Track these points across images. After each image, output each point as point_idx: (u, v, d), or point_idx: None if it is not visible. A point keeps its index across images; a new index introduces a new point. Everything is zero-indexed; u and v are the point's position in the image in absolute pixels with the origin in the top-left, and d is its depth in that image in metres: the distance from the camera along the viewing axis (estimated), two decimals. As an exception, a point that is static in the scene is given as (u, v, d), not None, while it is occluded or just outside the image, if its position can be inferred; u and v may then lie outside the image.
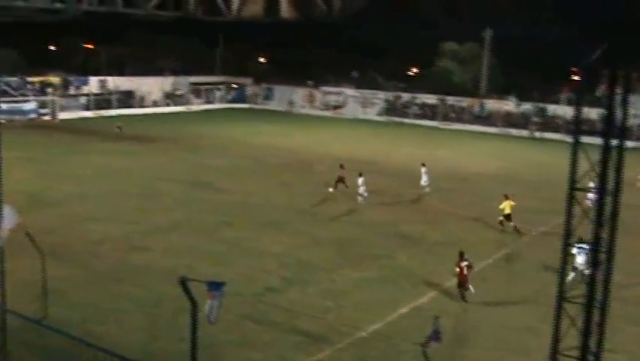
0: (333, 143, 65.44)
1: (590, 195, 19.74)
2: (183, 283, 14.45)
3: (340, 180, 42.40)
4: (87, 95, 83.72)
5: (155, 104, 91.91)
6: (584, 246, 24.36)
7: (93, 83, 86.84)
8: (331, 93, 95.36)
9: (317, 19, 18.41)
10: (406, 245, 32.13)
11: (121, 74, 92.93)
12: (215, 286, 14.93)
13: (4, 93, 71.91)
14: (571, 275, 24.44)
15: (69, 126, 70.56)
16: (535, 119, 79.16)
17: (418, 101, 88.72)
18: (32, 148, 54.42)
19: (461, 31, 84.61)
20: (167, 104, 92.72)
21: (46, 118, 75.37)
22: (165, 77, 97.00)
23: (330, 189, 42.25)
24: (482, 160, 58.18)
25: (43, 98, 77.55)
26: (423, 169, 43.50)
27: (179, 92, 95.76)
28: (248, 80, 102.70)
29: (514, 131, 78.18)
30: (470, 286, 25.30)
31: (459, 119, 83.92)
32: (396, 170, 51.38)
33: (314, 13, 17.81)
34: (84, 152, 54.45)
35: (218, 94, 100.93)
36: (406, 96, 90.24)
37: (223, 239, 31.99)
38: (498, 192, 37.40)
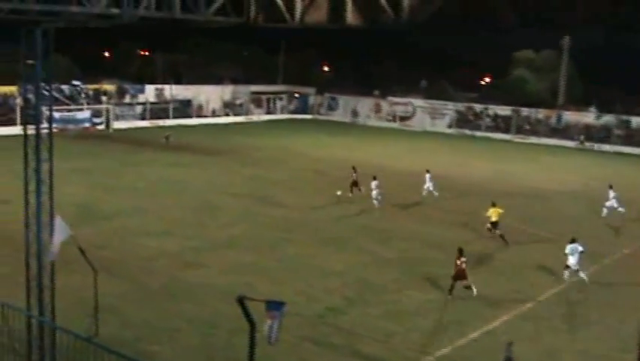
0: (400, 156, 65.21)
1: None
2: (241, 302, 14.46)
3: (354, 183, 44.61)
4: (143, 103, 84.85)
5: (214, 113, 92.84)
6: (577, 246, 29.55)
7: (149, 92, 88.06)
8: (398, 104, 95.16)
9: (384, 26, 18.34)
10: (476, 265, 31.71)
11: (178, 82, 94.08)
12: (274, 305, 14.89)
13: (57, 101, 73.25)
14: (565, 275, 29.67)
15: (124, 136, 71.65)
16: (618, 131, 77.73)
17: (490, 112, 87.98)
18: (85, 159, 55.40)
19: (538, 38, 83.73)
20: (227, 114, 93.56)
21: (100, 127, 76.62)
22: (224, 85, 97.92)
23: (339, 193, 44.86)
24: (560, 176, 57.34)
25: (97, 106, 78.85)
26: (427, 175, 46.05)
27: (238, 102, 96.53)
28: (311, 90, 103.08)
29: (594, 145, 76.95)
30: (473, 287, 27.55)
31: (534, 132, 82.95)
32: (468, 186, 50.94)
33: (381, 19, 17.76)
34: (139, 163, 55.23)
35: (279, 104, 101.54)
36: (477, 107, 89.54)
37: (283, 256, 32.04)
38: (577, 211, 36.84)
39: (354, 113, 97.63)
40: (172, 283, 27.94)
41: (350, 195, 44.04)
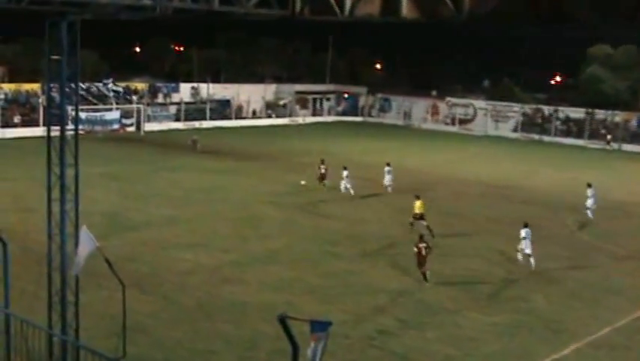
0: (459, 163, 64.85)
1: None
2: (283, 321, 14.40)
3: (322, 176, 49.69)
4: (177, 103, 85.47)
5: (255, 115, 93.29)
6: (530, 231, 34.07)
7: (184, 91, 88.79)
8: (458, 105, 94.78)
9: (443, 20, 18.17)
10: (544, 285, 31.35)
11: (216, 80, 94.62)
12: (319, 326, 14.82)
13: (84, 100, 74.07)
14: (519, 257, 33.74)
15: (156, 139, 72.23)
16: None
17: (560, 114, 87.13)
18: (114, 163, 55.93)
19: (616, 31, 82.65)
20: (269, 116, 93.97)
21: (131, 129, 77.32)
22: (267, 84, 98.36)
23: (303, 182, 50.08)
24: (640, 187, 56.57)
25: (127, 106, 79.61)
26: (386, 168, 49.57)
27: (282, 102, 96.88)
28: (361, 90, 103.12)
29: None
30: (428, 273, 30.72)
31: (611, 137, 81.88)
32: (536, 197, 50.47)
33: (439, 12, 17.57)
34: (173, 169, 55.59)
35: (327, 105, 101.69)
36: (546, 109, 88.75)
37: (329, 272, 31.95)
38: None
39: (409, 116, 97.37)
40: (207, 300, 27.98)
41: (323, 185, 49.11)
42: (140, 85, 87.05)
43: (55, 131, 19.48)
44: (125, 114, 78.07)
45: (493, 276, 32.37)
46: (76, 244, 19.31)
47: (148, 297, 27.42)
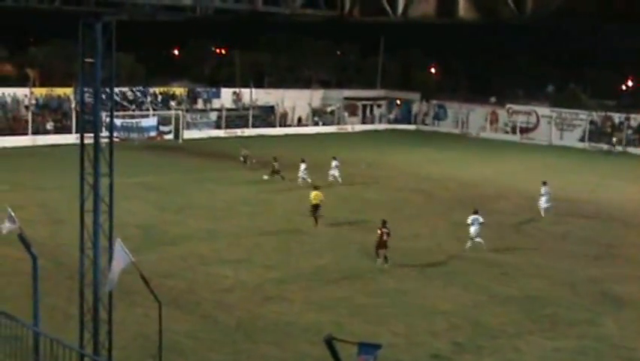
0: (521, 175, 64.40)
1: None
2: (329, 343, 14.38)
3: (275, 171, 54.88)
4: (218, 110, 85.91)
5: (301, 122, 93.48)
6: (478, 217, 38.80)
7: (225, 96, 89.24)
8: (519, 112, 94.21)
9: (504, 21, 18.03)
10: (614, 309, 30.98)
11: (259, 85, 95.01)
12: (368, 349, 14.78)
13: (119, 106, 74.72)
14: (467, 244, 38.33)
15: (196, 148, 72.63)
16: None
17: (633, 122, 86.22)
18: (151, 173, 56.32)
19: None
20: (316, 123, 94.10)
21: (169, 137, 77.84)
22: (313, 90, 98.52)
23: (265, 177, 55.41)
24: None
25: (165, 112, 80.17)
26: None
27: (330, 109, 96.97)
28: (415, 96, 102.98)
29: None
30: (386, 255, 35.15)
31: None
32: (606, 211, 50.00)
33: (500, 13, 17.43)
34: (213, 180, 55.81)
35: (377, 112, 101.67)
36: (617, 117, 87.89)
37: (379, 291, 31.87)
38: None
39: (467, 124, 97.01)
40: (248, 319, 28.03)
41: (266, 177, 54.03)
42: (179, 90, 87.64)
43: (89, 139, 19.66)
44: (163, 121, 78.56)
45: (558, 297, 32.05)
46: (110, 259, 19.45)
47: (185, 316, 27.53)
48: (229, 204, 47.58)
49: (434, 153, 75.95)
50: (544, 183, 48.73)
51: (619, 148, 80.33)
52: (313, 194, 43.22)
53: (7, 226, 18.70)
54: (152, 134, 76.18)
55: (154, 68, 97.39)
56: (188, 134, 79.38)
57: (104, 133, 20.18)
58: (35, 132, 71.40)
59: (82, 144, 19.73)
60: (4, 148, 66.53)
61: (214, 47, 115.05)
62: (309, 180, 51.99)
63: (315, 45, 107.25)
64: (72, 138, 63.91)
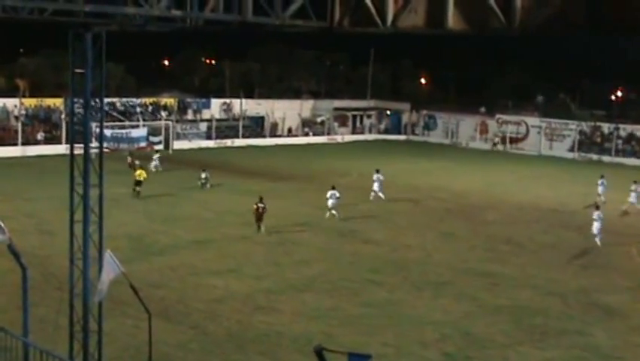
0: (511, 185, 64.57)
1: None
2: (319, 353, 14.41)
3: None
4: (208, 120, 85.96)
5: (291, 132, 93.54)
6: (335, 193, 46.93)
7: (215, 107, 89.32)
8: (509, 122, 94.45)
9: (492, 32, 18.12)
10: (603, 319, 31.04)
11: (249, 96, 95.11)
12: (358, 359, 14.82)
13: (109, 117, 74.69)
14: (326, 215, 46.33)
15: (185, 158, 72.62)
16: None
17: (622, 132, 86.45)
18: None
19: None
20: (305, 134, 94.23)
21: (159, 147, 77.77)
22: (303, 100, 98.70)
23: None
24: None
25: (155, 123, 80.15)
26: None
27: (320, 119, 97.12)
28: (405, 106, 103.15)
29: None
30: (262, 227, 42.37)
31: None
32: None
33: (489, 24, 17.51)
34: (203, 190, 55.80)
35: (367, 122, 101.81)
36: (606, 127, 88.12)
37: (369, 301, 31.89)
38: None
39: (456, 134, 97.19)
40: (239, 330, 28.03)
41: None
42: (169, 100, 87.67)
43: (79, 149, 19.68)
44: (153, 131, 78.56)
45: (548, 308, 32.10)
46: (100, 269, 19.46)
47: (175, 326, 27.52)
48: (219, 215, 47.61)
49: (424, 163, 76.08)
50: (377, 171, 54.55)
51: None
52: (139, 172, 52.90)
53: (-4, 236, 18.67)
54: (142, 144, 76.20)
55: (144, 78, 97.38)
56: (178, 144, 79.43)
57: (94, 144, 20.21)
58: (25, 143, 71.34)
59: (72, 155, 19.75)
60: (-7, 158, 66.49)
61: (204, 57, 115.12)
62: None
63: (304, 56, 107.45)
64: (62, 149, 63.85)
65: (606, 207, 49.13)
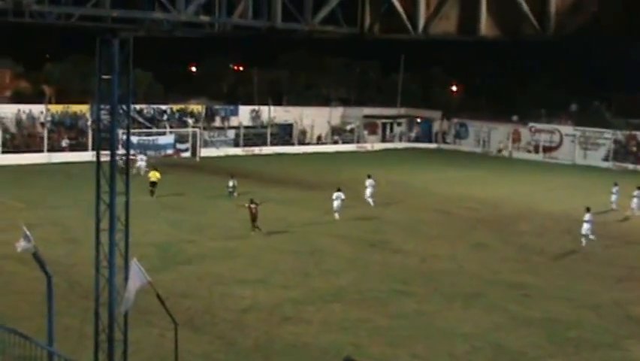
0: (543, 195, 64.19)
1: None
2: (347, 365, 14.40)
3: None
4: (236, 127, 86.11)
5: (320, 140, 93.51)
6: (341, 194, 49.57)
7: (243, 114, 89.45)
8: (542, 131, 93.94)
9: (526, 38, 18.03)
10: (638, 332, 30.81)
11: (278, 103, 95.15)
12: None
13: (136, 123, 74.93)
14: (335, 216, 49.09)
15: (213, 166, 72.71)
16: None
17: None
18: (167, 191, 56.34)
19: None
20: (335, 142, 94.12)
21: (185, 155, 78.06)
22: (332, 107, 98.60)
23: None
24: None
25: (182, 130, 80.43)
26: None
27: (349, 127, 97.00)
28: (436, 114, 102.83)
29: None
30: (258, 226, 43.67)
31: None
32: (630, 233, 49.72)
33: (523, 30, 17.40)
34: (230, 198, 55.75)
35: (397, 130, 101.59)
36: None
37: (398, 312, 31.81)
38: None
39: (488, 143, 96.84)
40: (266, 340, 28.02)
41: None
42: (197, 107, 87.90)
43: (105, 157, 19.75)
44: (180, 139, 78.82)
45: (582, 320, 31.87)
46: (126, 278, 19.51)
47: (202, 337, 27.54)
48: (246, 224, 47.41)
49: (455, 173, 75.78)
50: (369, 176, 55.65)
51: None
52: (151, 173, 55.12)
53: (22, 244, 18.76)
54: (169, 152, 76.48)
55: (171, 84, 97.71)
56: (205, 152, 79.59)
57: (121, 151, 20.28)
58: (51, 149, 71.75)
59: (98, 162, 19.83)
60: (20, 165, 66.93)
61: (232, 64, 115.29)
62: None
63: (334, 63, 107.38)
64: (88, 156, 64.18)
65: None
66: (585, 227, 45.09)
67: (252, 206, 44.08)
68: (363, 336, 28.52)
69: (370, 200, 54.71)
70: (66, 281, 30.22)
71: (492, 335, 29.63)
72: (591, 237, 45.01)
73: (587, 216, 45.27)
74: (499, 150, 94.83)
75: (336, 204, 49.61)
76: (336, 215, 49.41)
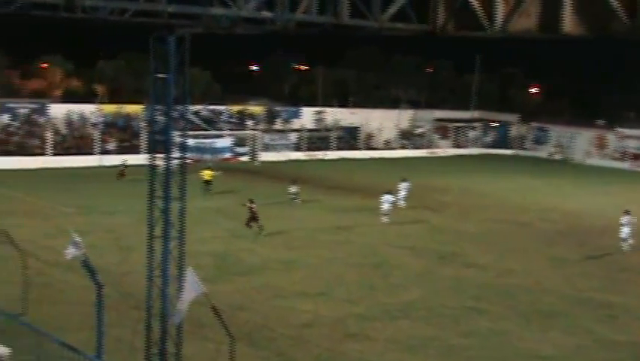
0: (629, 207, 63.32)
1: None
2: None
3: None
4: (298, 130, 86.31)
5: (387, 145, 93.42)
6: (389, 197, 50.96)
7: (306, 116, 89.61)
8: (631, 137, 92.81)
9: (614, 36, 17.79)
10: None
11: (343, 104, 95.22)
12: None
13: (192, 125, 75.40)
14: (383, 219, 50.20)
15: (273, 170, 72.98)
16: None
17: None
18: (224, 197, 56.69)
19: None
20: (403, 146, 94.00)
21: (244, 159, 78.38)
22: (402, 110, 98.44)
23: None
24: None
25: (241, 132, 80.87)
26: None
27: (419, 131, 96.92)
28: (513, 117, 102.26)
29: None
30: (261, 226, 45.18)
31: None
32: None
33: (610, 27, 17.15)
34: (292, 206, 55.95)
35: (471, 135, 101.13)
36: None
37: (471, 331, 31.62)
38: None
39: (569, 149, 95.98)
40: (328, 358, 28.02)
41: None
42: (257, 109, 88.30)
43: (160, 160, 19.93)
44: (239, 142, 79.17)
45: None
46: (180, 288, 19.65)
47: (259, 352, 27.63)
48: (309, 233, 47.70)
49: (533, 181, 75.21)
50: (404, 180, 57.44)
51: None
52: (205, 172, 58.48)
53: (71, 251, 19.04)
54: (227, 155, 76.86)
55: (230, 84, 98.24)
56: (265, 156, 79.90)
57: (176, 154, 20.45)
58: (103, 152, 72.51)
59: (152, 166, 20.02)
60: (70, 168, 67.89)
61: (295, 62, 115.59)
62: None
63: (404, 62, 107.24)
64: (141, 159, 64.78)
65: None
66: (625, 231, 46.35)
67: (253, 206, 45.66)
68: (432, 356, 28.42)
69: (402, 202, 56.19)
70: (117, 291, 30.50)
71: (574, 358, 29.36)
72: (630, 241, 45.98)
73: (625, 220, 46.56)
74: (551, 154, 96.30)
75: (385, 207, 50.66)
76: (385, 219, 50.48)
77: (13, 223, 35.44)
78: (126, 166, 64.43)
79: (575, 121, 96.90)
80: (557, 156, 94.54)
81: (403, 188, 56.96)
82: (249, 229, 45.49)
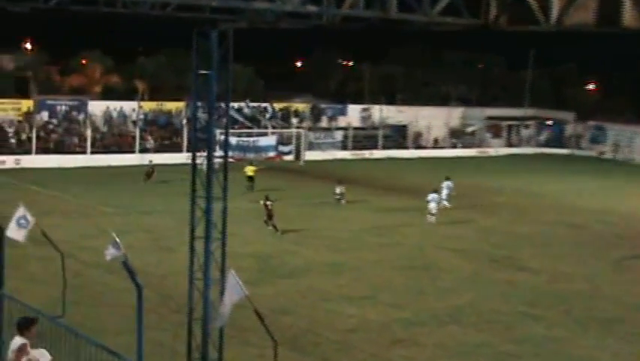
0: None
1: None
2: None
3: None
4: (344, 128, 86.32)
5: (437, 144, 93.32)
6: (435, 196, 51.68)
7: (352, 113, 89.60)
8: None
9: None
10: None
11: (391, 102, 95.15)
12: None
13: (235, 123, 75.63)
14: (427, 219, 50.65)
15: (318, 170, 73.01)
16: None
17: None
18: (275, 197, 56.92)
19: None
20: (454, 145, 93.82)
21: (288, 158, 78.47)
22: (452, 107, 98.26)
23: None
24: None
25: (285, 130, 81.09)
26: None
27: (470, 129, 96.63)
28: (568, 115, 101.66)
29: None
30: (275, 225, 45.80)
31: None
32: None
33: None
34: (338, 206, 56.02)
35: (525, 133, 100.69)
36: None
37: (524, 337, 31.47)
38: None
39: (630, 149, 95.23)
40: (374, 364, 28.07)
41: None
42: (301, 106, 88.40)
43: (202, 159, 20.04)
44: (283, 140, 79.31)
45: None
46: (222, 292, 19.73)
47: (303, 357, 27.68)
48: (355, 234, 47.70)
49: (590, 182, 74.76)
50: (448, 178, 57.96)
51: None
52: (248, 168, 60.28)
53: (111, 252, 19.14)
54: (271, 154, 77.02)
55: (274, 81, 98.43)
56: (310, 155, 79.97)
57: (218, 153, 20.54)
58: (143, 150, 72.90)
59: (193, 165, 20.13)
60: (110, 167, 68.41)
61: (341, 58, 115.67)
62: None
63: (454, 58, 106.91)
64: (182, 158, 65.15)
65: None
66: None
67: (268, 203, 46.42)
68: (483, 363, 28.37)
69: (446, 202, 56.37)
70: (157, 293, 30.73)
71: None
72: None
73: None
74: (601, 153, 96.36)
75: (431, 206, 51.15)
76: (431, 219, 51.02)
77: (51, 223, 35.64)
78: (154, 167, 63.94)
79: (635, 119, 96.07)
80: (608, 155, 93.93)
81: (446, 187, 57.27)
82: (268, 227, 46.37)
